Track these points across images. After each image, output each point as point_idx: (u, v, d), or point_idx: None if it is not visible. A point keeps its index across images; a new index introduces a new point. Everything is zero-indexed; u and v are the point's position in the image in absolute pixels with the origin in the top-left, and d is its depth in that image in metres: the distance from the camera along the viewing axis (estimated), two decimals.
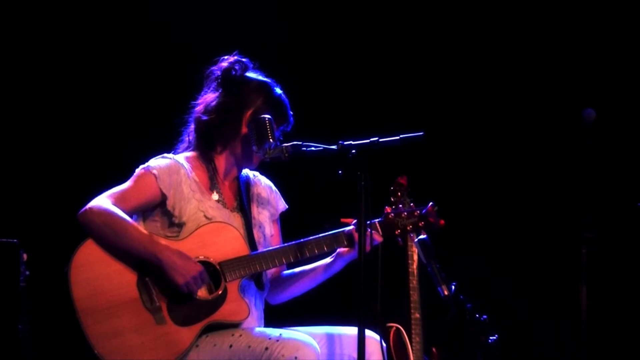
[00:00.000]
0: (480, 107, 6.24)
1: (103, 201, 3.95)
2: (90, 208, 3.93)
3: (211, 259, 3.98)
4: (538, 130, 6.18)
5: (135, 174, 4.08)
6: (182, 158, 4.16)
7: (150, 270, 3.91)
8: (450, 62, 6.24)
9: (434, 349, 5.41)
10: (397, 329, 5.38)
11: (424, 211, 4.16)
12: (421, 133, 3.86)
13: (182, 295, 3.91)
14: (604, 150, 5.77)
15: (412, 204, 4.19)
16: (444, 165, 6.18)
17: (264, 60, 4.28)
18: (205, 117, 4.17)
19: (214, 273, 3.98)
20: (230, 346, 3.90)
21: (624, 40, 6.10)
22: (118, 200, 3.97)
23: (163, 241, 3.95)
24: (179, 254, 3.90)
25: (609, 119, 5.72)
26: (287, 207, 4.37)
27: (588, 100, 5.50)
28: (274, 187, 4.38)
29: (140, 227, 4.02)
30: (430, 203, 4.17)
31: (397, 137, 3.85)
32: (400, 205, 4.18)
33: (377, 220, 4.14)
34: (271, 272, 4.26)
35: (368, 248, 3.81)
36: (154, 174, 4.04)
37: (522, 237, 6.18)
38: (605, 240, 5.30)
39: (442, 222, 4.16)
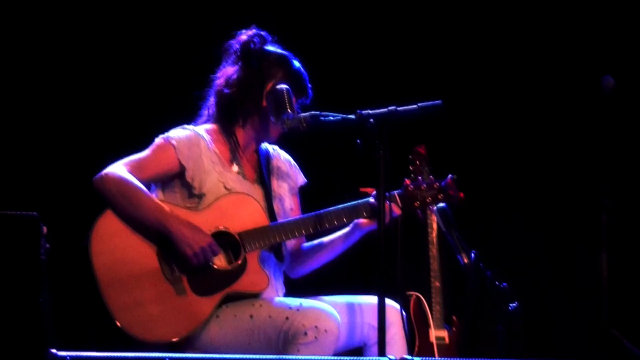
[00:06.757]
0: (499, 74, 6.21)
1: (119, 168, 3.95)
2: (105, 174, 3.93)
3: (231, 230, 3.98)
4: (557, 98, 6.15)
5: (154, 143, 4.08)
6: (203, 130, 4.15)
7: (166, 241, 3.91)
8: (468, 29, 6.21)
9: (454, 317, 5.42)
10: (418, 297, 5.39)
11: (443, 184, 4.15)
12: (439, 102, 3.84)
13: (200, 266, 3.91)
14: (623, 117, 5.74)
15: (430, 176, 4.17)
16: (462, 134, 6.16)
17: (280, 30, 4.27)
18: (226, 91, 4.17)
19: (233, 244, 3.98)
20: (251, 316, 3.91)
21: None
22: (134, 169, 3.97)
23: (177, 212, 3.94)
24: (188, 226, 3.89)
25: (629, 85, 5.68)
26: (306, 181, 4.36)
27: (607, 67, 5.46)
28: (292, 161, 4.37)
29: (159, 197, 4.03)
30: (450, 175, 4.16)
31: (416, 106, 3.83)
32: (420, 178, 4.17)
33: (397, 192, 4.13)
34: (291, 245, 4.25)
35: (387, 219, 3.80)
36: (173, 145, 4.04)
37: (541, 205, 6.16)
38: (625, 207, 5.29)
39: (462, 194, 4.15)
